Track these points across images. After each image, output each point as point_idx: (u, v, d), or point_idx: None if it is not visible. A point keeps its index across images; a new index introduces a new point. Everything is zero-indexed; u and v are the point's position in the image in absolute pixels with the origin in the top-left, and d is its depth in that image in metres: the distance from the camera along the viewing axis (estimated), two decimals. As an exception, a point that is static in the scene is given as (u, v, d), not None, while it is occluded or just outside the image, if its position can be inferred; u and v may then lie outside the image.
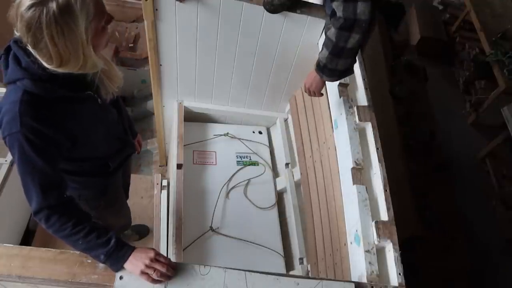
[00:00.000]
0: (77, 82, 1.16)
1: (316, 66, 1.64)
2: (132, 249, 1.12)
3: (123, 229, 2.30)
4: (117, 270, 1.13)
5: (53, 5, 0.97)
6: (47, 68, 1.06)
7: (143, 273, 1.09)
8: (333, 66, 1.58)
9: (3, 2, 1.29)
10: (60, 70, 1.06)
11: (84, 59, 1.07)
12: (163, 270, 1.10)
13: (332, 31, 1.50)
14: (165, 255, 1.76)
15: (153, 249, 1.13)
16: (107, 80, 1.28)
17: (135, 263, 1.10)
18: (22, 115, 1.05)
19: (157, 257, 1.12)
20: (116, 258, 1.11)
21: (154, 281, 1.11)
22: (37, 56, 1.04)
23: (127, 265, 1.11)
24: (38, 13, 0.97)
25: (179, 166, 2.21)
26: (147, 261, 1.09)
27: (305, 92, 1.78)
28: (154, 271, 1.09)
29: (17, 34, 1.07)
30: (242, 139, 2.56)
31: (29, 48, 1.04)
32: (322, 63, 1.59)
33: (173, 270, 1.13)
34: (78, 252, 1.17)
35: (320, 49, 1.61)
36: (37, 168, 1.10)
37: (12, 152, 1.09)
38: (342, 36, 1.48)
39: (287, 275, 1.28)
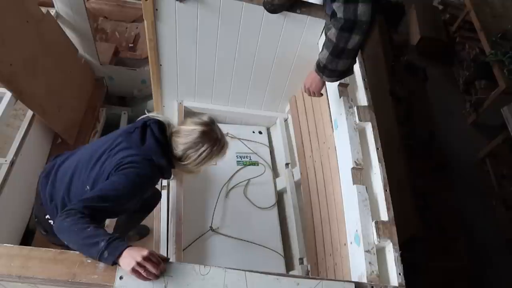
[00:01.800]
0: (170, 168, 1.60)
1: (316, 66, 1.64)
2: (129, 245, 1.16)
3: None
4: (112, 261, 1.14)
5: (215, 147, 1.53)
6: (174, 157, 1.55)
7: (134, 270, 1.12)
8: (333, 67, 1.58)
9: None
10: (186, 168, 1.59)
11: (198, 171, 1.63)
12: (153, 270, 1.13)
13: (333, 32, 1.50)
14: (165, 255, 1.78)
15: (148, 249, 1.17)
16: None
17: (128, 258, 1.13)
18: (148, 176, 1.47)
19: (150, 257, 1.14)
20: (115, 247, 1.14)
21: (144, 278, 1.13)
22: (176, 151, 1.54)
23: (121, 259, 1.14)
24: (203, 141, 1.51)
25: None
26: (139, 259, 1.12)
27: (305, 92, 1.78)
28: (145, 270, 1.12)
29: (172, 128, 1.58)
30: (242, 139, 2.56)
31: (178, 143, 1.53)
32: (322, 63, 1.59)
33: (163, 271, 1.16)
34: (78, 252, 1.17)
35: (320, 50, 1.61)
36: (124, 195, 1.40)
37: (128, 174, 1.42)
38: (342, 37, 1.48)
39: (287, 275, 1.28)
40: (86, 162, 1.54)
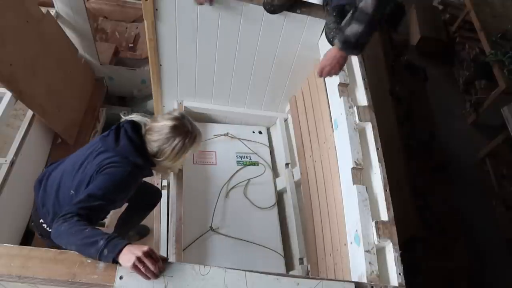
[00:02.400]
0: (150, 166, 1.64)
1: (342, 44, 1.60)
2: (128, 243, 1.18)
3: None
4: (112, 259, 1.14)
5: (186, 139, 1.55)
6: (150, 155, 1.57)
7: (134, 265, 1.12)
8: (365, 40, 1.57)
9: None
10: (162, 164, 1.60)
11: (175, 166, 1.65)
12: (152, 267, 1.13)
13: (369, 3, 1.48)
14: (165, 255, 1.78)
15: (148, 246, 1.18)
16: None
17: (128, 254, 1.14)
18: (128, 175, 1.51)
19: (151, 253, 1.15)
20: (114, 245, 1.16)
21: (143, 275, 1.14)
22: (151, 148, 1.56)
23: (121, 256, 1.14)
24: (173, 135, 1.53)
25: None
26: (140, 254, 1.13)
27: (318, 74, 1.73)
28: (144, 266, 1.13)
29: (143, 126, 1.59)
30: (242, 139, 2.56)
31: (151, 140, 1.55)
32: (354, 39, 1.56)
33: (162, 270, 1.17)
34: (77, 252, 1.17)
35: (346, 25, 1.58)
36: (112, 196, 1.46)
37: (109, 173, 1.47)
38: (380, 6, 1.47)
39: (287, 275, 1.28)
40: (70, 169, 1.61)
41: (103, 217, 1.53)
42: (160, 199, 2.28)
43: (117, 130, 1.58)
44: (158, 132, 1.54)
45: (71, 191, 1.57)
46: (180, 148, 1.55)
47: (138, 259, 1.12)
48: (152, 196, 2.22)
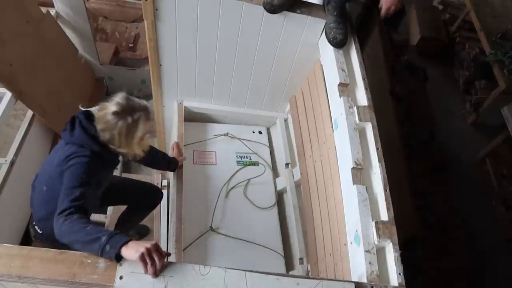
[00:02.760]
0: (116, 155, 1.66)
1: None
2: (130, 239, 1.18)
3: None
4: (115, 254, 1.15)
5: (128, 119, 1.51)
6: (104, 143, 1.55)
7: (142, 257, 1.12)
8: None
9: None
10: (117, 149, 1.57)
11: (132, 149, 1.60)
12: (158, 263, 1.14)
13: None
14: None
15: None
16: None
17: (135, 247, 1.14)
18: (89, 159, 1.53)
19: (158, 248, 1.16)
20: (117, 240, 1.17)
21: (146, 268, 1.13)
22: (103, 136, 1.53)
23: (127, 248, 1.15)
24: (116, 119, 1.50)
25: (179, 167, 2.21)
26: (149, 245, 1.14)
27: (384, 14, 1.86)
28: (151, 259, 1.13)
29: (95, 114, 1.56)
30: (242, 139, 2.56)
31: (99, 129, 1.53)
32: None
33: (165, 265, 1.17)
34: (78, 252, 1.17)
35: None
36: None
37: (74, 163, 1.50)
38: None
39: (287, 275, 1.28)
40: (44, 166, 1.70)
41: (96, 204, 1.63)
42: (161, 200, 2.28)
43: (72, 122, 1.59)
44: (102, 121, 1.53)
45: (44, 187, 1.64)
46: (128, 130, 1.52)
47: (148, 250, 1.13)
48: (153, 196, 2.22)
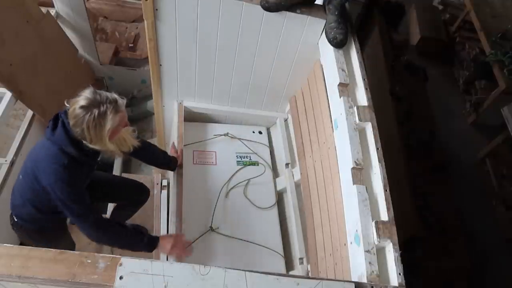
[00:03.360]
0: (94, 153, 1.68)
1: None
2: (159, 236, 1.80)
3: None
4: (155, 245, 1.77)
5: (95, 111, 1.50)
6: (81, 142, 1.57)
7: (173, 246, 1.78)
8: None
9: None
10: (90, 146, 1.57)
11: (104, 143, 1.58)
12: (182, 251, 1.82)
13: None
14: (165, 255, 1.83)
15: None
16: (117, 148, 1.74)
17: (167, 239, 1.80)
18: (67, 169, 1.59)
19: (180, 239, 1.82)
20: (154, 239, 1.78)
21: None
22: (74, 133, 1.55)
23: (161, 242, 1.78)
24: (83, 113, 1.50)
25: (179, 166, 2.21)
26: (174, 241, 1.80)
27: None
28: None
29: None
30: (242, 139, 2.56)
31: (71, 125, 1.55)
32: None
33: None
34: (77, 252, 1.17)
35: None
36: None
37: (56, 173, 1.57)
38: None
39: (287, 275, 1.28)
40: (27, 157, 1.74)
41: (96, 199, 1.82)
42: (147, 198, 2.31)
43: (55, 120, 1.61)
44: (72, 116, 1.53)
45: (20, 176, 1.73)
46: (94, 124, 1.51)
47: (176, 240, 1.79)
48: (139, 194, 2.27)
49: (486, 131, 4.07)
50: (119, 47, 3.52)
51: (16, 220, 1.83)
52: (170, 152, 2.22)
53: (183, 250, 1.84)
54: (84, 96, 1.53)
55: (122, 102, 1.58)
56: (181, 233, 1.96)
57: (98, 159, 1.79)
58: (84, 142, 1.57)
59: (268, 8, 1.92)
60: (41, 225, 1.86)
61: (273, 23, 2.01)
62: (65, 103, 1.59)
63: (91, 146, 1.58)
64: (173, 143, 2.31)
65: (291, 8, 1.95)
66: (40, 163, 1.60)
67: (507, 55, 3.69)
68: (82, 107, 1.51)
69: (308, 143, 2.19)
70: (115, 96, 1.58)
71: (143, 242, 1.74)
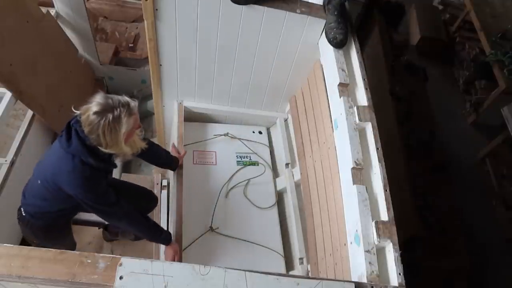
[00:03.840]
0: (109, 160, 1.70)
1: None
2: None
3: None
4: (169, 241, 1.88)
5: (109, 116, 1.50)
6: (97, 148, 1.57)
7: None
8: None
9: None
10: (106, 151, 1.58)
11: (119, 147, 1.60)
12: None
13: None
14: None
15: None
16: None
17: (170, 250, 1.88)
18: (91, 179, 1.63)
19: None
20: (169, 235, 1.90)
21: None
22: (90, 140, 1.55)
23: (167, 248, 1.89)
24: (98, 119, 1.50)
25: (179, 166, 2.21)
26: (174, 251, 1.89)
27: None
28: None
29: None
30: (242, 139, 2.56)
31: (87, 133, 1.54)
32: None
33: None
34: (77, 252, 1.17)
35: None
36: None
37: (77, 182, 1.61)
38: None
39: (287, 275, 1.28)
40: (43, 161, 1.75)
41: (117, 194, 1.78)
42: (155, 206, 2.33)
43: (68, 130, 1.60)
44: (86, 123, 1.53)
45: (38, 180, 1.72)
46: (110, 129, 1.52)
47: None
48: (148, 202, 2.28)
49: (486, 131, 4.07)
50: (119, 47, 3.52)
51: (24, 214, 1.85)
52: (171, 152, 2.22)
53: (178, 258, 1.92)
54: (96, 102, 1.52)
55: (134, 104, 1.59)
56: (178, 238, 2.00)
57: (114, 161, 1.80)
58: (100, 148, 1.57)
59: (237, 1, 1.91)
60: (49, 222, 1.89)
61: (273, 23, 2.02)
62: (73, 109, 1.58)
63: (106, 150, 1.58)
64: (173, 143, 2.31)
65: (258, 2, 1.93)
66: (62, 176, 1.61)
67: (507, 55, 3.69)
68: (95, 113, 1.50)
69: (308, 143, 2.19)
70: (127, 99, 1.57)
71: (162, 235, 1.87)
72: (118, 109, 1.52)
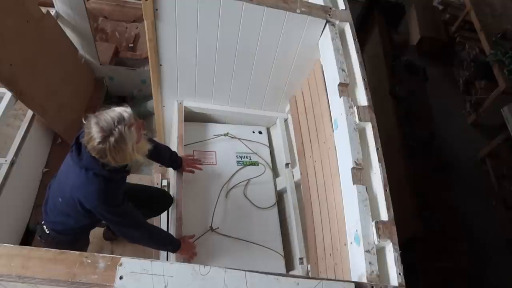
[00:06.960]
0: (123, 169, 1.70)
1: None
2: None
3: None
4: (178, 248, 1.90)
5: (111, 140, 1.47)
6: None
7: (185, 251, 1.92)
8: None
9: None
10: (121, 165, 1.59)
11: (131, 159, 1.59)
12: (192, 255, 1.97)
13: None
14: (165, 255, 1.84)
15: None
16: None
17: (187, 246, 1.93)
18: (106, 191, 1.63)
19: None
20: (178, 243, 1.90)
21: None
22: (103, 161, 1.54)
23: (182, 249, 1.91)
24: (102, 146, 1.48)
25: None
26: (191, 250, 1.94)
27: None
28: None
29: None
30: (242, 139, 2.56)
31: (97, 158, 1.53)
32: None
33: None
34: (77, 252, 1.17)
35: None
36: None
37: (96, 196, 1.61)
38: None
39: (287, 275, 1.28)
40: (60, 180, 1.75)
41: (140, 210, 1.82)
42: (170, 206, 2.27)
43: (78, 145, 1.60)
44: (94, 152, 1.51)
45: (59, 198, 1.73)
46: (116, 150, 1.49)
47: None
48: (164, 203, 2.25)
49: (486, 131, 4.07)
50: (119, 47, 3.52)
51: (48, 232, 1.85)
52: (182, 155, 2.24)
53: (192, 253, 1.97)
54: (94, 130, 1.47)
55: (128, 114, 1.52)
56: (187, 234, 2.00)
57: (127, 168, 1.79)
58: (113, 165, 1.56)
59: None
60: (75, 237, 1.93)
61: (273, 23, 2.01)
62: (83, 121, 1.54)
63: (118, 165, 1.57)
64: (193, 152, 2.39)
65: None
66: (79, 191, 1.62)
67: (507, 55, 3.69)
68: (98, 142, 1.47)
69: (308, 143, 2.19)
70: (118, 111, 1.51)
71: (172, 244, 1.89)
72: (116, 128, 1.48)
